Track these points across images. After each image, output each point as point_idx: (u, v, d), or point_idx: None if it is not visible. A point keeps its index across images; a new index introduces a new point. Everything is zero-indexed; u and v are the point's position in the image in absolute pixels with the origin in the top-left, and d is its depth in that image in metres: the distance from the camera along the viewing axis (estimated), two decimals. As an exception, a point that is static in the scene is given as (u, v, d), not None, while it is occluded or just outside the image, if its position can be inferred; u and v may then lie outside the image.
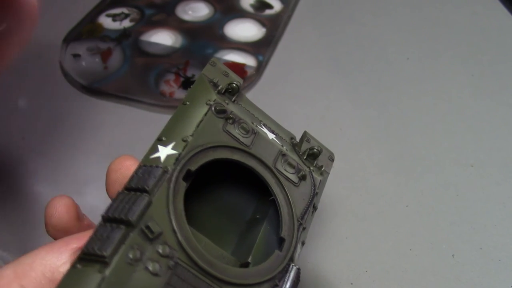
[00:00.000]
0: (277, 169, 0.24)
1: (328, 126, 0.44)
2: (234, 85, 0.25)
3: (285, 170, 0.25)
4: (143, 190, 0.19)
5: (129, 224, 0.17)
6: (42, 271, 0.18)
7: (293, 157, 0.26)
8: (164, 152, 0.21)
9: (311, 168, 0.27)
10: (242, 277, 0.20)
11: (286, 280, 0.22)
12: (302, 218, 0.24)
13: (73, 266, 0.17)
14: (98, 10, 0.56)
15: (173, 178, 0.20)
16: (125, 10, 0.56)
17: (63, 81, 0.47)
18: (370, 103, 0.46)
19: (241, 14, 0.56)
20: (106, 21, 0.54)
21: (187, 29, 0.54)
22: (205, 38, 0.52)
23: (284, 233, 0.23)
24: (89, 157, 0.41)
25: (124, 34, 0.53)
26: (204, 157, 0.22)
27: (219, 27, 0.54)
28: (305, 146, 0.27)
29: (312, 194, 0.26)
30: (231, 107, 0.25)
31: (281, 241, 0.23)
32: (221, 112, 0.24)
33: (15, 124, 0.44)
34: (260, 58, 0.50)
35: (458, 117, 0.44)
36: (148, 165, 0.20)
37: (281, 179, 0.24)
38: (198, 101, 0.23)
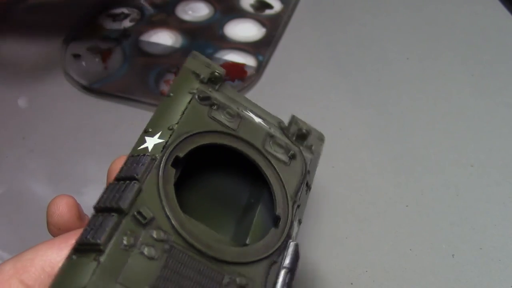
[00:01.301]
0: (266, 150, 0.25)
1: (328, 126, 0.43)
2: (216, 73, 0.25)
3: (275, 150, 0.25)
4: (132, 178, 0.19)
5: (120, 212, 0.18)
6: (42, 266, 0.18)
7: (281, 138, 0.26)
8: (151, 142, 0.21)
9: (301, 147, 0.27)
10: (239, 256, 0.20)
11: (285, 256, 0.22)
12: (295, 195, 0.25)
13: (68, 258, 0.17)
14: (98, 10, 0.56)
15: (162, 165, 0.20)
16: (125, 10, 0.56)
17: (63, 81, 0.47)
18: (370, 103, 0.46)
19: (241, 14, 0.56)
20: (106, 21, 0.54)
21: (187, 29, 0.54)
22: (205, 38, 0.52)
23: (279, 211, 0.23)
24: (89, 157, 0.41)
25: (124, 34, 0.53)
26: (192, 143, 0.22)
27: (219, 27, 0.54)
28: (293, 129, 0.27)
29: (304, 172, 0.26)
30: (215, 95, 0.25)
31: (276, 219, 0.23)
32: (205, 99, 0.24)
33: (15, 124, 0.44)
34: (260, 58, 0.50)
35: (458, 117, 0.44)
36: (136, 155, 0.20)
37: (271, 159, 0.25)
38: (181, 91, 0.24)
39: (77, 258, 0.17)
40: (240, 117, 0.25)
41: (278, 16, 0.56)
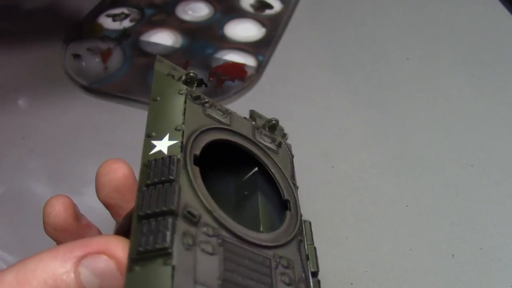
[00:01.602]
0: (258, 141, 0.26)
1: (328, 126, 0.44)
2: (192, 74, 0.25)
3: (264, 140, 0.26)
4: (168, 181, 0.19)
5: (172, 213, 0.17)
6: (45, 279, 0.18)
7: (263, 129, 0.27)
8: (162, 144, 0.21)
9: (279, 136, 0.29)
10: (274, 240, 0.21)
11: (305, 234, 0.23)
12: (293, 179, 0.26)
13: (130, 270, 0.16)
14: (98, 10, 0.56)
15: (188, 164, 0.20)
16: (125, 10, 0.56)
17: (63, 81, 0.47)
18: (370, 103, 0.46)
19: (241, 14, 0.56)
20: (106, 21, 0.54)
21: (187, 29, 0.54)
22: (205, 38, 0.52)
23: (287, 195, 0.24)
24: (89, 157, 0.41)
25: (124, 34, 0.53)
26: (202, 141, 0.22)
27: (219, 27, 0.54)
28: (260, 122, 0.28)
29: (290, 157, 0.27)
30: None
31: (286, 203, 0.24)
32: (197, 98, 0.24)
33: (15, 124, 0.44)
34: (260, 58, 0.50)
35: (458, 117, 0.44)
36: (154, 159, 0.20)
37: (265, 149, 0.26)
38: (169, 93, 0.24)
39: (143, 267, 0.16)
40: (229, 113, 0.26)
41: (278, 16, 0.56)
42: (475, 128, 0.43)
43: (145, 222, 0.17)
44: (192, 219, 0.18)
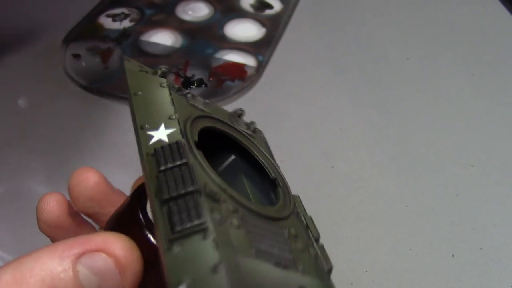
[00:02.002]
0: (237, 127, 0.26)
1: (328, 126, 0.44)
2: (164, 69, 0.26)
3: (241, 126, 0.27)
4: (182, 164, 0.19)
5: (198, 192, 0.18)
6: (43, 277, 0.17)
7: (236, 116, 0.28)
8: (160, 134, 0.21)
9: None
10: (279, 213, 0.22)
11: (298, 206, 0.24)
12: (273, 159, 0.27)
13: (169, 250, 0.16)
14: (98, 10, 0.56)
15: (193, 147, 0.21)
16: (125, 10, 0.56)
17: (63, 81, 0.47)
18: (370, 103, 0.46)
19: (241, 14, 0.56)
20: (106, 21, 0.54)
21: (187, 29, 0.54)
22: (205, 38, 0.52)
23: (273, 174, 0.25)
24: (89, 157, 0.41)
25: (124, 34, 0.53)
26: (195, 128, 0.23)
27: (219, 27, 0.54)
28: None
29: (265, 141, 0.29)
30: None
31: (275, 181, 0.25)
32: (179, 89, 0.25)
33: (15, 124, 0.44)
34: (260, 58, 0.50)
35: (458, 117, 0.44)
36: (160, 147, 0.20)
37: (245, 134, 0.26)
38: (151, 87, 0.24)
39: (183, 246, 0.16)
40: (207, 103, 0.26)
41: (278, 16, 0.56)
42: (475, 128, 0.43)
43: (173, 204, 0.17)
44: (214, 197, 0.18)
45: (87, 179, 0.24)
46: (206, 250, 0.16)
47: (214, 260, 0.15)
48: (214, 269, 0.15)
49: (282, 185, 0.25)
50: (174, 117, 0.22)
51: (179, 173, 0.18)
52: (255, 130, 0.28)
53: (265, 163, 0.25)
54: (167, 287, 0.15)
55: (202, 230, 0.16)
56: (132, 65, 0.26)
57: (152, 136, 0.21)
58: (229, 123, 0.26)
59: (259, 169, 0.26)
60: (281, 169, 0.27)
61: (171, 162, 0.19)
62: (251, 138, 0.27)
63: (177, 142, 0.20)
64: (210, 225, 0.16)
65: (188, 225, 0.16)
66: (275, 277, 0.18)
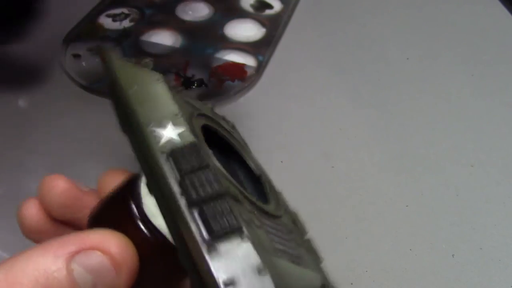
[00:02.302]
0: (221, 124, 0.27)
1: (328, 126, 0.44)
2: (147, 60, 0.25)
3: (222, 123, 0.27)
4: (205, 166, 0.18)
5: (227, 195, 0.18)
6: (36, 277, 0.17)
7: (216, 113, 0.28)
8: (170, 133, 0.20)
9: None
10: (277, 211, 0.22)
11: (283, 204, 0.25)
12: (252, 154, 0.27)
13: (214, 249, 0.16)
14: (98, 10, 0.56)
15: (206, 148, 0.21)
16: (125, 10, 0.56)
17: (63, 81, 0.47)
18: (370, 103, 0.46)
19: (241, 14, 0.56)
20: (106, 21, 0.54)
21: (187, 29, 0.54)
22: (205, 38, 0.52)
23: (257, 170, 0.25)
24: (89, 157, 0.41)
25: (124, 34, 0.53)
26: (197, 126, 0.23)
27: (219, 27, 0.54)
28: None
29: (243, 138, 0.29)
30: None
31: (259, 177, 0.25)
32: (173, 86, 0.25)
33: (15, 124, 0.44)
34: (260, 58, 0.50)
35: (458, 117, 0.44)
36: (180, 148, 0.19)
37: (228, 129, 0.26)
38: (147, 81, 0.23)
39: (227, 246, 0.16)
40: (192, 98, 0.27)
41: (278, 16, 0.56)
42: (475, 128, 0.43)
43: (207, 207, 0.17)
44: (236, 198, 0.19)
45: (55, 187, 0.23)
46: (247, 252, 0.16)
47: (256, 262, 0.16)
48: (259, 271, 0.16)
49: (267, 180, 0.25)
50: (179, 115, 0.21)
51: (202, 176, 0.18)
52: (234, 127, 0.28)
53: (248, 159, 0.26)
54: (210, 287, 0.15)
55: (238, 232, 0.17)
56: (115, 56, 0.25)
57: (161, 136, 0.20)
58: (215, 118, 0.26)
59: (243, 166, 0.26)
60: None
61: (193, 164, 0.19)
62: (233, 134, 0.27)
63: (194, 144, 0.19)
64: (244, 227, 0.17)
65: (226, 227, 0.17)
66: (298, 275, 0.18)
